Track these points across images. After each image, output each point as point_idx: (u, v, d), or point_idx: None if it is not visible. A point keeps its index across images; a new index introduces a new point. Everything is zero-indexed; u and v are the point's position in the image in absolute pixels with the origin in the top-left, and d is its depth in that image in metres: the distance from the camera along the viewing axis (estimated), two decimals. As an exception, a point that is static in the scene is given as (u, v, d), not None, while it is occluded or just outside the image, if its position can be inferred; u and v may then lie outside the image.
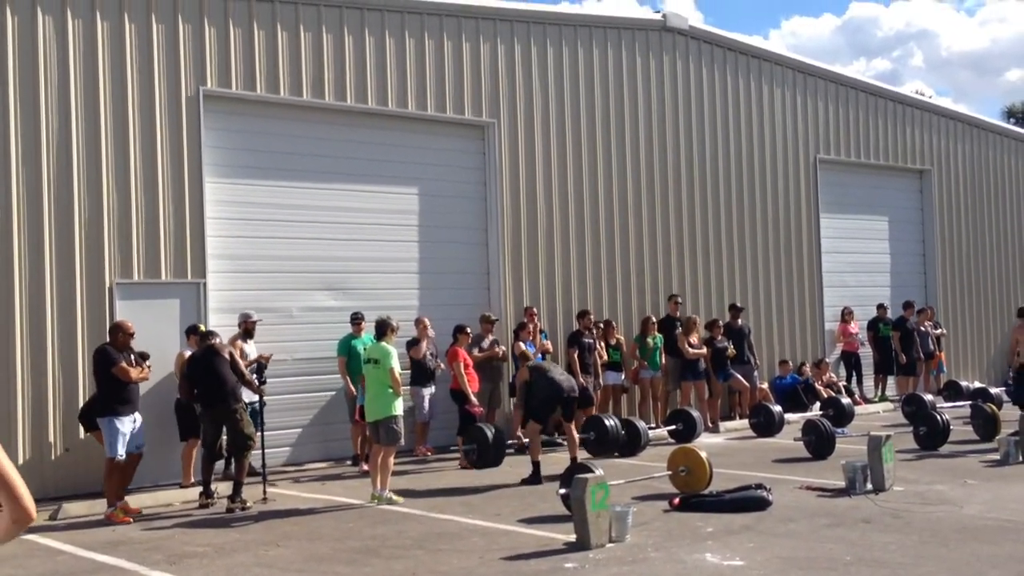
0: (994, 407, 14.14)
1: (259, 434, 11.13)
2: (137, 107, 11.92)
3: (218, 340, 10.84)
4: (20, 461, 10.97)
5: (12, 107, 11.14)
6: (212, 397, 10.60)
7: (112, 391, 10.10)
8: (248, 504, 10.33)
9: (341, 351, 13.04)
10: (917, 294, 21.21)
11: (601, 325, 15.44)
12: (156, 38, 12.09)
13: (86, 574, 7.91)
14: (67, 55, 11.48)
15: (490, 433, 11.66)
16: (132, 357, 10.40)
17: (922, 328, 19.54)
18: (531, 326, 14.29)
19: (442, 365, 13.47)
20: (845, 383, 18.78)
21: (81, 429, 11.22)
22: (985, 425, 13.61)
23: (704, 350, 15.99)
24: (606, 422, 12.92)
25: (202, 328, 11.46)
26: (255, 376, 11.14)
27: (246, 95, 12.85)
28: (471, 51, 14.91)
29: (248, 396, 11.58)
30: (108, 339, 10.42)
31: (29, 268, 11.13)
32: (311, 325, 13.44)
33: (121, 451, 10.04)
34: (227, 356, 10.63)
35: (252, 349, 12.19)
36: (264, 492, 10.71)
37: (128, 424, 10.17)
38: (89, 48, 11.63)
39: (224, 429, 10.69)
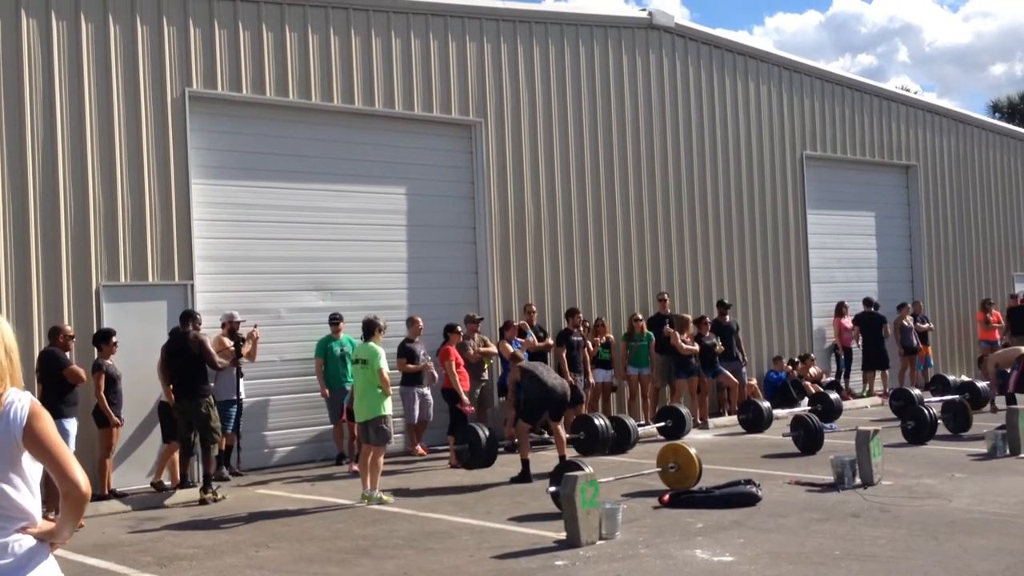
0: (966, 401, 14.33)
1: (238, 413, 11.99)
2: (122, 109, 11.87)
3: (190, 329, 11.00)
4: (8, 465, 10.91)
5: (-4, 110, 11.11)
6: (180, 389, 10.91)
7: (62, 392, 10.03)
8: (220, 497, 10.66)
9: (319, 352, 13.05)
10: (904, 289, 21.33)
11: (587, 324, 15.47)
12: (141, 40, 12.04)
13: (75, 577, 7.89)
14: (51, 57, 11.42)
15: (483, 434, 11.59)
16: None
17: (904, 323, 19.66)
18: (516, 326, 14.27)
19: (431, 365, 13.43)
20: (833, 378, 18.87)
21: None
22: (956, 419, 13.81)
23: (695, 347, 16.00)
24: (596, 421, 12.90)
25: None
26: (228, 339, 11.64)
27: (232, 96, 12.82)
28: (457, 50, 14.90)
29: (229, 394, 11.92)
30: (48, 342, 10.44)
31: (15, 271, 11.07)
32: (299, 326, 13.42)
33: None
34: (196, 339, 10.86)
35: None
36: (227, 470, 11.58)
37: (75, 425, 10.19)
38: (73, 50, 11.58)
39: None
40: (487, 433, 11.65)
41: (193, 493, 10.96)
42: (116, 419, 10.74)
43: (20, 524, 3.29)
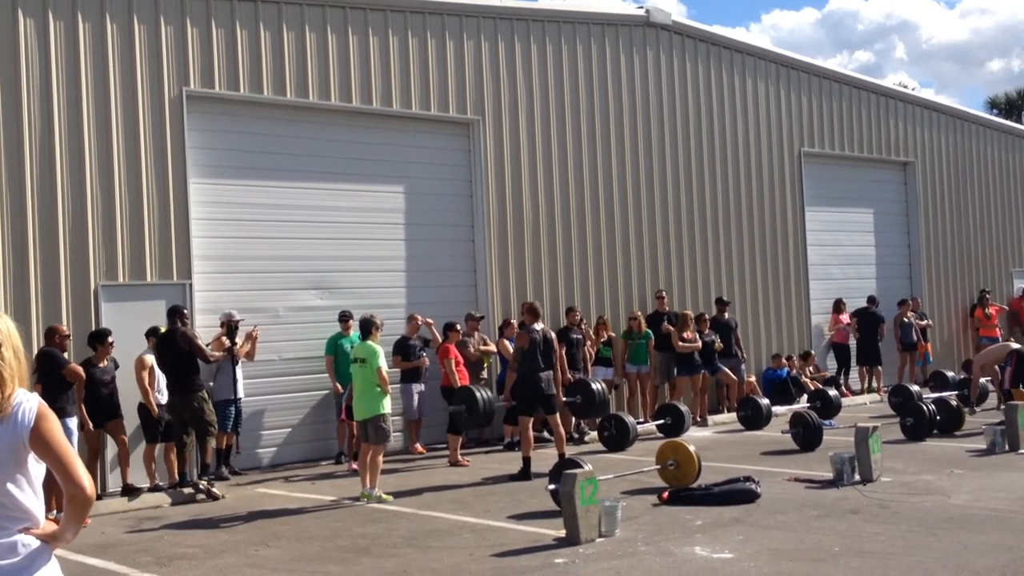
0: (959, 400, 14.32)
1: (237, 413, 12.16)
2: (120, 109, 11.87)
3: (178, 326, 11.02)
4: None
5: (-6, 110, 11.10)
6: (172, 386, 10.98)
7: (62, 392, 9.96)
8: (217, 492, 10.76)
9: (328, 350, 13.09)
10: (902, 285, 21.33)
11: (585, 322, 15.46)
12: (138, 39, 12.04)
13: (75, 577, 7.89)
14: (49, 57, 11.41)
15: (480, 394, 11.29)
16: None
17: (905, 319, 19.68)
18: (515, 324, 14.26)
19: (427, 361, 13.46)
20: (832, 375, 18.88)
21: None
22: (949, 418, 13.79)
23: (697, 343, 15.98)
24: (593, 385, 12.83)
25: (162, 330, 11.32)
26: (226, 338, 11.68)
27: (230, 95, 12.81)
28: (455, 49, 14.89)
29: (228, 393, 11.90)
30: (44, 343, 10.33)
31: (13, 271, 11.06)
32: (298, 325, 13.42)
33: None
34: (184, 335, 10.88)
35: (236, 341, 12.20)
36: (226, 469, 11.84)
37: (77, 424, 10.20)
38: (71, 50, 11.57)
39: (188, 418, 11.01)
40: (483, 394, 11.36)
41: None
42: (90, 425, 10.57)
43: (23, 525, 3.30)
